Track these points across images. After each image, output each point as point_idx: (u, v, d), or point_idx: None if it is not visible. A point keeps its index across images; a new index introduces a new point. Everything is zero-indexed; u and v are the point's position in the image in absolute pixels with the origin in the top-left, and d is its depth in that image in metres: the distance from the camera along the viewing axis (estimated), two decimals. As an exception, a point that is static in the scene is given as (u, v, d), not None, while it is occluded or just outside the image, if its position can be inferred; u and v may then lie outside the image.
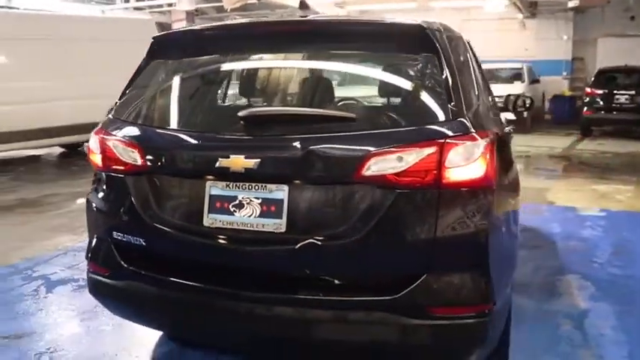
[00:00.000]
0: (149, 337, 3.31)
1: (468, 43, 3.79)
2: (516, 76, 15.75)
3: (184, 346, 3.27)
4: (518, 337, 3.34)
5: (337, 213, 2.22)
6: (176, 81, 2.75)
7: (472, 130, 2.20)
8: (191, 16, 18.11)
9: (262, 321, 2.28)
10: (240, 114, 2.33)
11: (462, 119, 2.21)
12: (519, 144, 12.57)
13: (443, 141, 2.14)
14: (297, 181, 2.25)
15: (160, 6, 18.33)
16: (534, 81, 15.99)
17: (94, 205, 2.69)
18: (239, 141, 2.36)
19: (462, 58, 2.62)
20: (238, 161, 2.26)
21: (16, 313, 3.80)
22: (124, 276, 2.55)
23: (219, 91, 2.68)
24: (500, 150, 2.70)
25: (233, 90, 2.66)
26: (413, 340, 2.18)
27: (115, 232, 2.57)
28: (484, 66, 13.83)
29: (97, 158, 2.64)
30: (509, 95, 4.94)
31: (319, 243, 2.18)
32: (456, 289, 2.17)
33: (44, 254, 4.89)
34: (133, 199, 2.49)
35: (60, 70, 9.38)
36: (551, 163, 10.21)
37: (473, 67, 2.89)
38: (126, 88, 2.75)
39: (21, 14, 11.26)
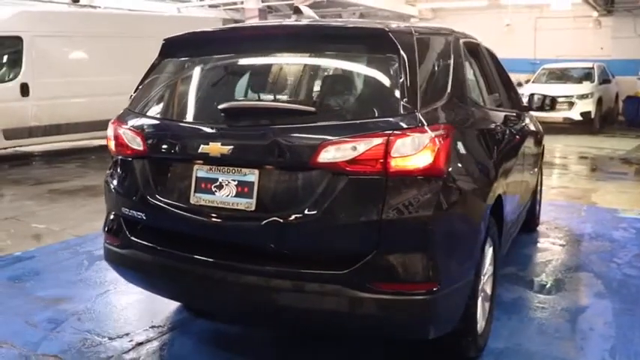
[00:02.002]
0: (170, 306, 3.71)
1: (481, 47, 3.95)
2: (586, 76, 15.31)
3: (198, 316, 3.63)
4: (504, 324, 3.51)
5: (298, 195, 2.52)
6: (177, 78, 3.12)
7: (422, 123, 2.41)
8: (263, 13, 18.58)
9: (233, 287, 2.61)
10: (220, 107, 2.67)
11: (413, 114, 2.43)
12: (582, 145, 12.33)
13: (390, 132, 2.38)
14: (266, 166, 2.57)
15: (234, 3, 18.97)
16: (605, 81, 15.47)
17: (109, 185, 3.10)
18: (218, 130, 2.72)
19: (434, 59, 2.83)
20: (215, 148, 2.62)
21: (59, 281, 4.30)
22: (129, 246, 2.95)
23: (212, 87, 3.03)
24: (475, 143, 2.88)
25: (224, 86, 3.00)
26: (361, 311, 2.43)
27: (123, 208, 2.97)
28: (554, 65, 13.61)
29: (111, 144, 3.06)
30: (532, 94, 4.98)
31: (281, 220, 2.47)
32: (400, 267, 2.40)
33: (93, 233, 5.41)
34: (137, 179, 2.90)
35: (128, 65, 10.07)
36: (608, 166, 9.96)
37: (459, 68, 3.06)
38: (139, 84, 3.15)
39: (97, 13, 12.09)
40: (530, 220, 5.44)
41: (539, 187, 5.72)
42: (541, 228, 5.78)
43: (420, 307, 2.43)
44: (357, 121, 2.49)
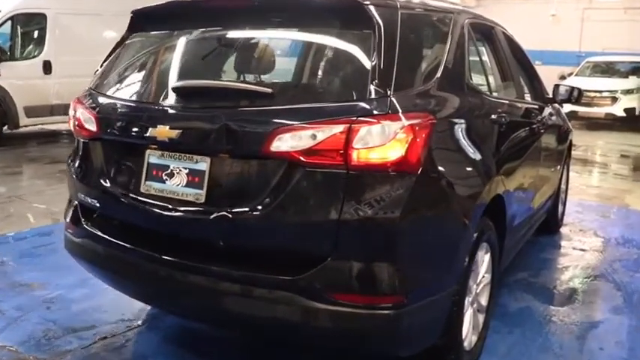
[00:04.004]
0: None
1: (497, 30, 3.57)
2: (633, 70, 14.53)
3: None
4: (503, 339, 3.16)
5: (250, 188, 2.24)
6: (141, 53, 2.85)
7: (394, 110, 2.08)
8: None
9: (180, 287, 2.36)
10: (171, 86, 2.40)
11: (384, 98, 2.10)
12: (624, 142, 11.66)
13: (353, 119, 2.06)
14: (218, 154, 2.28)
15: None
16: (655, 76, 14.63)
17: (69, 168, 2.87)
18: (167, 112, 2.45)
19: (423, 38, 2.49)
20: (163, 131, 2.35)
21: (42, 265, 4.13)
22: (83, 234, 2.72)
23: (172, 64, 2.74)
24: (468, 136, 2.54)
25: (184, 63, 2.71)
26: (316, 323, 2.13)
27: (79, 193, 2.74)
28: (599, 58, 12.94)
29: (71, 125, 2.83)
30: (557, 85, 4.56)
31: (230, 216, 2.19)
32: (360, 276, 2.09)
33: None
34: (91, 163, 2.67)
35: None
36: (648, 166, 9.35)
37: (458, 50, 2.70)
38: (104, 61, 2.90)
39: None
40: (551, 221, 5.04)
41: (563, 186, 5.29)
42: (564, 230, 5.36)
43: (383, 323, 2.11)
44: (316, 105, 2.17)
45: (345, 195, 2.05)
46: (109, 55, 2.90)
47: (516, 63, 4.02)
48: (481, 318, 2.93)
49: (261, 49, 2.67)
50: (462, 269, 2.46)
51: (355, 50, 2.26)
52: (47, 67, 9.40)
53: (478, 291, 2.83)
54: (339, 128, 2.05)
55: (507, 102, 3.43)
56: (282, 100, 2.27)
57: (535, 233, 4.63)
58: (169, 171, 2.40)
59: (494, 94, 3.34)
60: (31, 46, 9.62)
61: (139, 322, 3.30)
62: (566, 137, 5.08)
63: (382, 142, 2.05)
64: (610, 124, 13.58)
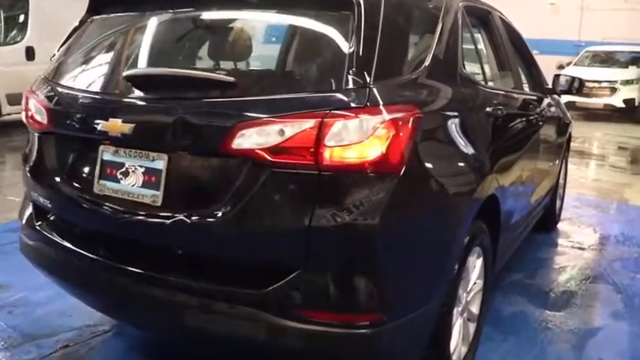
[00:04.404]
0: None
1: (494, 15, 3.33)
2: (633, 60, 14.26)
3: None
4: (497, 347, 2.94)
5: (211, 189, 2.00)
6: (98, 38, 2.60)
7: (374, 102, 1.84)
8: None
9: (136, 299, 2.13)
10: (124, 74, 2.15)
11: (363, 89, 1.85)
12: (622, 134, 11.43)
13: (325, 112, 1.81)
14: (176, 151, 2.04)
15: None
16: (656, 66, 14.37)
17: (23, 163, 2.63)
18: (120, 104, 2.20)
19: (409, 22, 2.24)
20: (115, 125, 2.10)
21: (10, 263, 3.87)
22: (37, 237, 2.48)
23: (130, 50, 2.48)
24: (460, 130, 2.30)
25: (144, 49, 2.44)
26: (284, 343, 1.89)
27: (32, 192, 2.50)
28: (599, 48, 12.63)
29: (23, 117, 2.57)
30: (557, 76, 4.31)
31: (188, 221, 1.95)
32: (334, 290, 1.85)
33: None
34: (44, 159, 2.43)
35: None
36: (648, 158, 9.13)
37: (450, 37, 2.45)
38: (60, 46, 2.65)
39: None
40: (548, 218, 4.81)
41: (561, 181, 5.06)
42: (561, 226, 5.14)
43: (359, 344, 1.87)
44: (288, 97, 1.92)
45: (317, 199, 1.81)
46: (66, 39, 2.64)
47: (514, 51, 3.77)
48: (472, 327, 2.70)
49: (228, 33, 2.41)
50: (450, 279, 2.23)
51: (331, 34, 2.01)
52: (30, 53, 9.10)
53: (469, 299, 2.61)
54: (309, 123, 1.81)
55: (504, 93, 3.19)
56: (246, 90, 2.01)
57: (532, 230, 4.41)
58: (124, 169, 2.15)
59: (490, 84, 3.09)
60: (13, 32, 9.31)
61: (106, 328, 3.06)
62: (566, 130, 4.85)
63: (359, 138, 1.81)
64: (609, 115, 13.34)
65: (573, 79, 4.45)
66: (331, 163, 1.80)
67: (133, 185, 2.11)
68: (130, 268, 2.12)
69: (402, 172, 1.86)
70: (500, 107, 2.82)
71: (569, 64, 15.23)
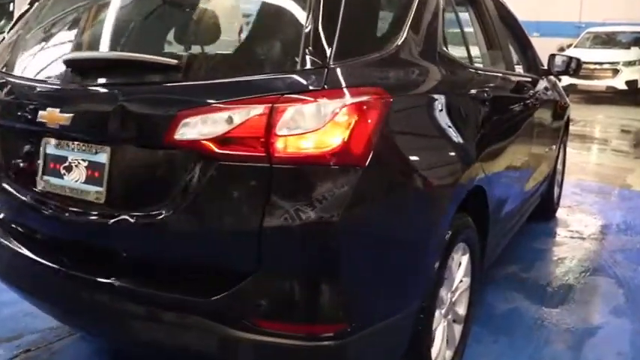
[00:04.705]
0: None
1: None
2: (636, 41, 13.94)
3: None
4: (487, 349, 2.72)
5: (156, 186, 1.77)
6: (45, 20, 2.36)
7: (333, 84, 1.61)
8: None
9: (84, 306, 1.94)
10: (63, 59, 1.92)
11: (321, 69, 1.62)
12: (625, 117, 11.16)
13: (277, 97, 1.58)
14: (118, 143, 1.83)
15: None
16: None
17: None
18: (58, 91, 1.99)
19: None
20: (53, 115, 1.90)
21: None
22: None
23: (75, 32, 2.25)
24: (439, 115, 2.07)
25: (89, 31, 2.20)
26: (234, 356, 1.68)
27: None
28: (600, 29, 12.28)
29: None
30: (552, 56, 4.06)
31: (132, 220, 1.74)
32: (290, 298, 1.62)
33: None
34: None
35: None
36: (651, 141, 8.87)
37: (428, 11, 2.21)
38: (9, 30, 2.42)
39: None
40: (545, 205, 4.58)
41: (559, 167, 4.82)
42: (560, 214, 4.90)
43: (322, 357, 1.66)
44: (237, 80, 1.69)
45: (269, 195, 1.58)
46: (15, 22, 2.41)
47: (506, 30, 3.52)
48: (458, 329, 2.48)
49: (180, 13, 2.15)
50: (429, 280, 2.01)
51: (287, 8, 1.76)
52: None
53: (454, 299, 2.38)
54: (257, 109, 1.57)
55: (492, 75, 2.94)
56: (191, 74, 1.77)
57: (528, 219, 4.18)
58: (67, 164, 1.94)
59: (477, 65, 2.84)
60: (2, 21, 9.12)
61: (71, 331, 2.85)
62: (563, 113, 4.60)
63: (316, 126, 1.57)
64: (611, 97, 13.03)
65: (570, 59, 4.20)
66: (284, 155, 1.57)
67: (77, 181, 1.90)
68: (76, 273, 1.92)
69: (368, 164, 1.62)
70: (488, 90, 2.57)
71: (569, 46, 14.92)
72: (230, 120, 1.59)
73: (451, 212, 2.07)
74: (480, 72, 2.72)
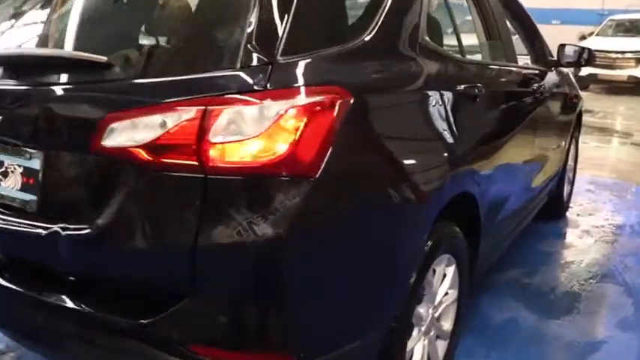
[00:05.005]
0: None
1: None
2: (659, 28, 13.43)
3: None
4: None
5: (86, 196, 1.60)
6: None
7: (276, 83, 1.40)
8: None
9: (20, 322, 1.79)
10: None
11: (265, 66, 1.41)
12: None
13: (210, 98, 1.38)
14: (51, 148, 1.66)
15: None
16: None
17: None
18: None
19: None
20: None
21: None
22: None
23: (15, 28, 2.06)
24: (418, 115, 1.85)
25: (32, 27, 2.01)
26: None
27: None
28: (623, 16, 11.81)
29: None
30: (562, 46, 3.80)
31: (62, 234, 1.56)
32: (228, 324, 1.44)
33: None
34: None
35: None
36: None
37: None
38: None
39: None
40: (554, 204, 4.33)
41: (570, 163, 4.56)
42: (571, 214, 4.65)
43: None
44: (170, 79, 1.49)
45: (204, 210, 1.39)
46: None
47: (509, 18, 3.27)
48: (442, 346, 2.28)
49: (111, 3, 1.95)
50: (399, 299, 1.80)
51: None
52: None
53: (437, 314, 2.18)
54: (188, 113, 1.38)
55: (488, 68, 2.71)
56: (122, 72, 1.58)
57: (536, 218, 3.95)
58: (4, 169, 1.77)
59: (470, 57, 2.61)
60: None
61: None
62: (574, 107, 4.33)
63: (256, 131, 1.37)
64: (632, 88, 12.56)
65: (582, 49, 3.94)
66: (220, 165, 1.37)
67: (13, 188, 1.73)
68: (17, 288, 1.75)
69: (320, 174, 1.42)
70: (480, 85, 2.34)
71: (591, 34, 14.45)
72: (161, 125, 1.40)
73: (428, 223, 1.86)
74: (472, 65, 2.49)
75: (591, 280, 3.43)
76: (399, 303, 1.80)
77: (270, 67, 1.42)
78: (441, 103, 2.01)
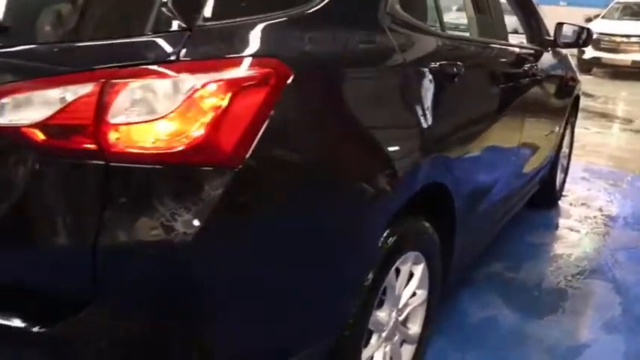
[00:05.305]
0: None
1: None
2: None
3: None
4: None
5: None
6: None
7: (192, 53, 1.17)
8: None
9: None
10: None
11: (178, 34, 1.18)
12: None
13: (112, 71, 1.15)
14: None
15: None
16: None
17: None
18: None
19: None
20: None
21: None
22: None
23: None
24: (376, 95, 1.62)
25: None
26: None
27: None
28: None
29: None
30: (560, 24, 3.54)
31: None
32: (133, 338, 1.22)
33: None
34: None
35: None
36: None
37: None
38: None
39: None
40: (546, 192, 4.11)
41: (565, 149, 4.33)
42: (563, 202, 4.43)
43: None
44: (68, 46, 1.25)
45: (106, 205, 1.17)
46: None
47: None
48: (409, 352, 2.07)
49: None
50: (351, 304, 1.59)
51: None
52: None
53: (403, 317, 1.97)
54: (85, 88, 1.14)
55: (472, 45, 2.47)
56: (15, 37, 1.34)
57: (526, 206, 3.74)
58: None
59: (451, 33, 2.37)
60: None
61: None
62: (571, 91, 4.09)
63: (165, 111, 1.14)
64: (637, 73, 12.26)
65: (582, 29, 3.69)
66: (122, 150, 1.14)
67: None
68: None
69: (245, 164, 1.19)
70: (460, 63, 2.10)
71: (596, 16, 14.09)
72: (61, 101, 1.17)
73: (384, 218, 1.64)
74: (452, 41, 2.24)
75: (579, 276, 3.23)
76: (349, 309, 1.59)
77: (188, 33, 1.18)
78: (408, 82, 1.78)
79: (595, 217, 4.19)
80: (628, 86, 11.43)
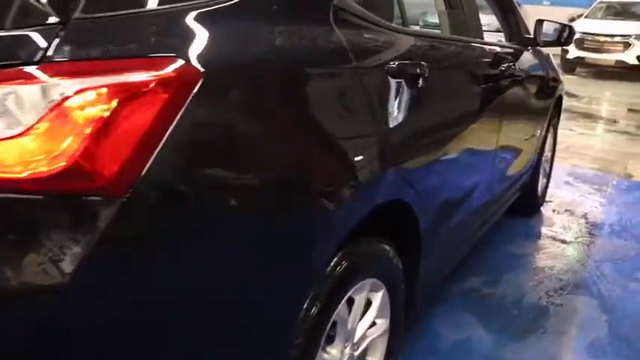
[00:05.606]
0: None
1: None
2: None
3: None
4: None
5: None
6: None
7: (64, 53, 0.92)
8: None
9: None
10: None
11: (49, 28, 0.94)
12: (635, 95, 10.35)
13: None
14: None
15: None
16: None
17: None
18: None
19: None
20: None
21: None
22: None
23: None
24: (321, 102, 1.38)
25: None
26: None
27: None
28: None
29: None
30: (540, 21, 3.33)
31: None
32: None
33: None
34: None
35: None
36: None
37: None
38: None
39: None
40: (527, 199, 3.90)
41: (547, 153, 4.13)
42: (546, 210, 4.23)
43: None
44: None
45: None
46: None
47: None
48: (368, 387, 1.84)
49: None
50: (288, 344, 1.35)
51: None
52: None
53: (359, 352, 1.73)
54: None
55: (442, 43, 2.24)
56: None
57: (507, 214, 3.53)
58: None
59: (416, 29, 2.13)
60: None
61: None
62: (552, 91, 3.88)
63: (25, 125, 0.90)
64: (620, 73, 12.14)
65: (563, 26, 3.49)
66: None
67: None
68: None
69: (134, 191, 0.95)
70: (425, 62, 1.86)
71: (580, 16, 13.97)
72: None
73: (331, 243, 1.40)
74: (416, 39, 2.01)
75: (561, 291, 3.01)
76: (288, 351, 1.35)
77: (61, 27, 0.94)
78: (358, 84, 1.54)
79: (579, 224, 3.98)
80: (612, 86, 11.30)
